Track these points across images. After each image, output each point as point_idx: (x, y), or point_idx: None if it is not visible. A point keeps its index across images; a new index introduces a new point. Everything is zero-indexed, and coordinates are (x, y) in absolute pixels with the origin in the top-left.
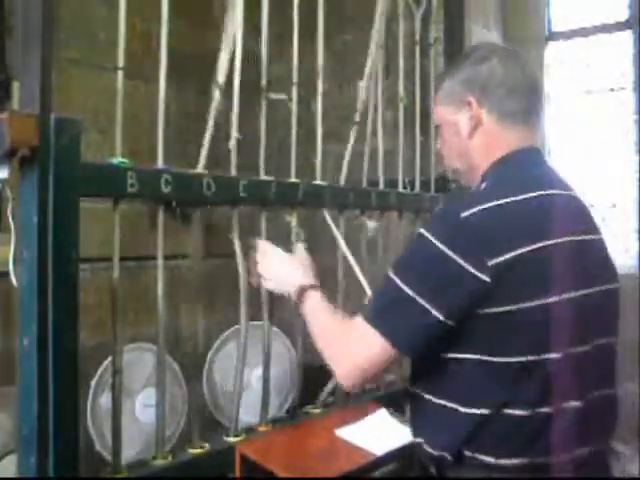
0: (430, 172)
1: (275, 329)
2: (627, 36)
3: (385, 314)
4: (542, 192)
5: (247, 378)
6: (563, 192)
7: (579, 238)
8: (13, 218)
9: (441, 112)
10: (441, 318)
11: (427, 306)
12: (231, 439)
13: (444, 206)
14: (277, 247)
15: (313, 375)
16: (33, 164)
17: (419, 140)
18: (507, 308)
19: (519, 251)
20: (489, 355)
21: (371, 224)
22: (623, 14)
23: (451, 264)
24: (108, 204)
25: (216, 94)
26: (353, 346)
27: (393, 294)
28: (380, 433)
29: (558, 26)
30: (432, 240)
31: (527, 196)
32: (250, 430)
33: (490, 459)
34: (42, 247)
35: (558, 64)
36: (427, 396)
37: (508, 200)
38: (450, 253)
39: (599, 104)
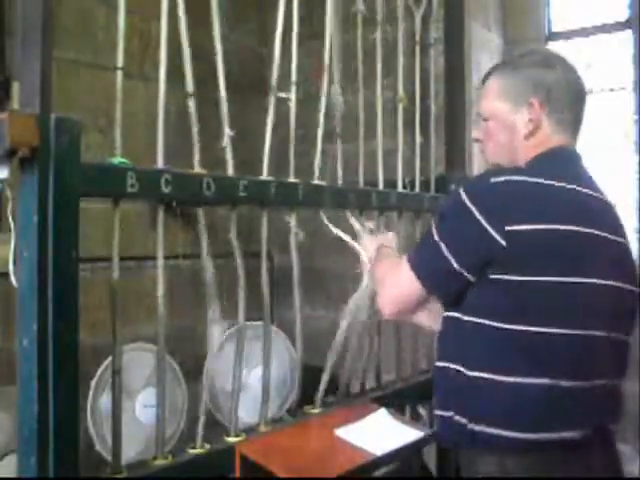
0: (430, 172)
1: (275, 329)
2: (627, 36)
3: (418, 255)
4: (572, 186)
5: (246, 378)
6: (595, 194)
7: (599, 233)
8: (13, 218)
9: (495, 107)
10: (456, 266)
11: (446, 253)
12: (231, 439)
13: (481, 173)
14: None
15: (313, 375)
16: (33, 164)
17: (419, 140)
18: (517, 278)
19: (536, 226)
20: (497, 320)
21: (368, 225)
22: (623, 14)
23: (473, 221)
24: (108, 204)
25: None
26: (392, 278)
27: (427, 239)
28: (380, 433)
29: (558, 26)
30: (462, 197)
31: (556, 183)
32: (250, 430)
33: (502, 432)
34: (42, 247)
35: None
36: (451, 365)
37: (538, 180)
38: (474, 211)
39: (599, 104)
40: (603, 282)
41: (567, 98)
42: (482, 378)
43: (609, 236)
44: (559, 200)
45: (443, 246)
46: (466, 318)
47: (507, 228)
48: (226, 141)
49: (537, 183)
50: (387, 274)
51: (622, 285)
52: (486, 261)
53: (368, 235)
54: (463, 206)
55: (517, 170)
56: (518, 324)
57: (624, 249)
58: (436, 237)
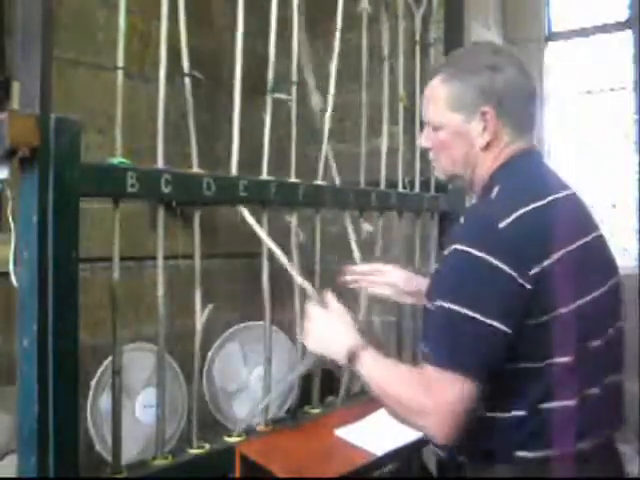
0: (430, 172)
1: (275, 329)
2: (627, 36)
3: (453, 348)
4: (555, 196)
5: (247, 378)
6: (567, 193)
7: (588, 239)
8: (13, 218)
9: (446, 117)
10: (507, 330)
11: (490, 321)
12: (231, 439)
13: (471, 218)
14: (323, 309)
15: (313, 375)
16: (33, 164)
17: (419, 140)
18: (546, 317)
19: (551, 259)
20: (527, 362)
21: (366, 226)
22: (623, 14)
23: (501, 274)
24: (108, 204)
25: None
26: (436, 397)
27: (452, 322)
28: (380, 433)
29: (558, 26)
30: (475, 253)
31: (546, 201)
32: (250, 430)
33: (524, 453)
34: (42, 247)
35: (558, 64)
36: None
37: (533, 207)
38: (497, 263)
39: (599, 104)
40: (606, 287)
41: (521, 100)
42: (507, 418)
43: (594, 235)
44: (557, 222)
45: (482, 317)
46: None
47: (531, 272)
48: (234, 140)
49: (535, 210)
50: (418, 396)
51: (614, 281)
52: (522, 310)
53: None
54: (479, 261)
55: (508, 203)
56: (548, 359)
57: (603, 241)
58: (467, 312)
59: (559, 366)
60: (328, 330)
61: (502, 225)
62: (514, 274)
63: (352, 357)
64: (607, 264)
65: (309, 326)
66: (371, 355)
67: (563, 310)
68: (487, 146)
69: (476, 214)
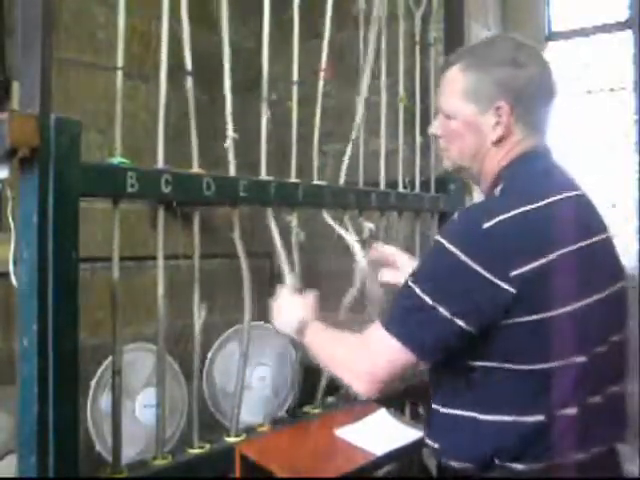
0: (430, 172)
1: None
2: (627, 36)
3: (403, 321)
4: (556, 198)
5: (247, 378)
6: (573, 194)
7: (591, 241)
8: (13, 218)
9: (459, 107)
10: (463, 326)
11: (447, 314)
12: (231, 439)
13: (462, 214)
14: (287, 289)
15: (313, 375)
16: (33, 164)
17: (419, 140)
18: (531, 318)
19: (540, 261)
20: (512, 363)
21: (368, 225)
22: (623, 14)
23: (473, 274)
24: (108, 204)
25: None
26: (370, 352)
27: (412, 302)
28: (380, 433)
29: (558, 26)
30: (452, 250)
31: (543, 203)
32: (250, 430)
33: (518, 465)
34: (42, 247)
35: (558, 64)
36: (448, 407)
37: (527, 208)
38: (472, 264)
39: (599, 104)
40: (606, 293)
41: (539, 99)
42: (500, 422)
43: (598, 238)
44: (549, 225)
45: (441, 308)
46: (477, 364)
47: (512, 274)
48: (229, 142)
49: (526, 212)
50: (353, 351)
51: (617, 287)
52: (496, 311)
53: (287, 298)
54: (454, 258)
55: (500, 204)
56: (537, 363)
57: (610, 244)
58: (427, 300)
59: (551, 371)
60: (286, 307)
61: (486, 226)
62: (488, 275)
63: (300, 328)
64: (610, 268)
65: (274, 305)
66: (317, 326)
67: (553, 312)
68: (498, 141)
69: (468, 212)
